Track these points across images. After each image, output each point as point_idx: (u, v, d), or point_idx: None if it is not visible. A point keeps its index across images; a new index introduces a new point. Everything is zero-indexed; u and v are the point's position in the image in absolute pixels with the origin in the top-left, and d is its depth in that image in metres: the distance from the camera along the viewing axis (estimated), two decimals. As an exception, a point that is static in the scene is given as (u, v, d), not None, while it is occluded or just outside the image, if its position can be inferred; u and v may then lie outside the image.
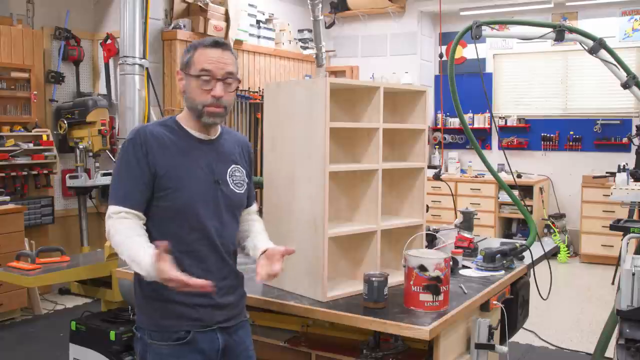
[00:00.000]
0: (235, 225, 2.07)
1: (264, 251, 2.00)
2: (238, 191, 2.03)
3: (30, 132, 5.46)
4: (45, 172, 5.52)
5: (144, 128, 1.93)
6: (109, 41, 5.56)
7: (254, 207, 2.22)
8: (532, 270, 2.84)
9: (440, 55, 6.91)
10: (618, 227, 3.95)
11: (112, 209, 1.84)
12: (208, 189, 1.94)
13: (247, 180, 2.09)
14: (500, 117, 8.04)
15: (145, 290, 1.90)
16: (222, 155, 2.01)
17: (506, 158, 3.40)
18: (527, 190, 7.32)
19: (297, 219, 2.35)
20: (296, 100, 2.34)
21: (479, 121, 8.14)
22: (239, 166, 2.06)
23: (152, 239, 1.83)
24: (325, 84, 2.21)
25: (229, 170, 2.02)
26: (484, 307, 2.38)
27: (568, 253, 7.24)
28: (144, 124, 1.96)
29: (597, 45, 3.26)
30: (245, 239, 2.13)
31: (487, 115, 8.04)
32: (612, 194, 5.29)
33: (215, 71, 1.90)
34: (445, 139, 8.24)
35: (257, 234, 2.13)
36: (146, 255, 1.70)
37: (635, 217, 5.39)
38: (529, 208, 6.51)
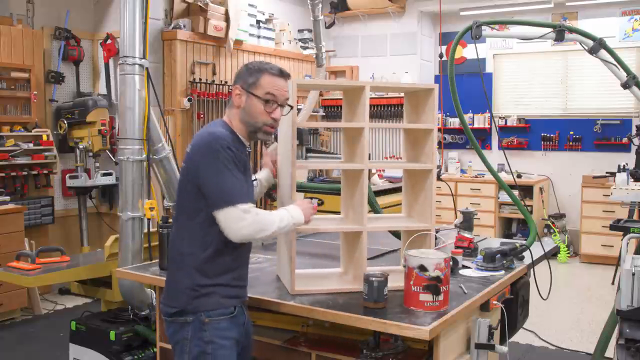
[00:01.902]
0: None
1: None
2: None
3: (30, 132, 5.47)
4: (45, 172, 5.52)
5: (224, 136, 2.10)
6: (109, 41, 5.54)
7: None
8: (532, 270, 2.83)
9: (440, 55, 6.89)
10: (618, 227, 3.95)
11: (242, 207, 2.05)
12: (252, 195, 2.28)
13: None
14: (500, 117, 8.04)
15: (214, 276, 2.14)
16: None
17: (506, 158, 3.40)
18: (527, 190, 7.31)
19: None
20: None
21: (479, 121, 8.14)
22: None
23: (216, 237, 2.10)
24: (292, 85, 2.32)
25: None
26: (484, 307, 2.38)
27: (568, 253, 7.24)
28: (215, 130, 2.13)
29: (597, 45, 3.26)
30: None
31: (487, 115, 8.04)
32: (612, 194, 5.29)
33: (278, 97, 2.20)
34: (445, 139, 8.23)
35: None
36: (287, 209, 2.19)
37: (635, 217, 5.39)
38: (529, 208, 6.50)
